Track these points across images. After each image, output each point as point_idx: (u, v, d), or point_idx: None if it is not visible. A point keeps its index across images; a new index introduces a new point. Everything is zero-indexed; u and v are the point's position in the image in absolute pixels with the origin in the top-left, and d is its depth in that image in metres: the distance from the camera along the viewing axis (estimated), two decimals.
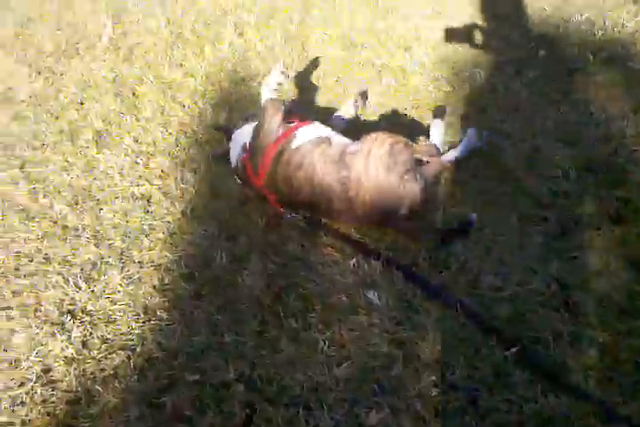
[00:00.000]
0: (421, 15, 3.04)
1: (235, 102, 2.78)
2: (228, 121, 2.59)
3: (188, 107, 2.80)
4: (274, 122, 2.02)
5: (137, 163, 2.53)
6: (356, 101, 2.40)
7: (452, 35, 2.85)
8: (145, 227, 2.21)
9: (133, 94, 2.97)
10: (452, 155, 2.09)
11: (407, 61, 2.74)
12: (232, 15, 3.48)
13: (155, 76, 3.06)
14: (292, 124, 2.01)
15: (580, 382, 1.40)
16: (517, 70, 2.55)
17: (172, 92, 2.92)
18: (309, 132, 1.96)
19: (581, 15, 2.72)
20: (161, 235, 2.16)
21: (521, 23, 2.85)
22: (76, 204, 2.38)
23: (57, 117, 2.94)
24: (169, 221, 2.21)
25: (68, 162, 2.62)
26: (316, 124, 2.04)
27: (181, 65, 3.12)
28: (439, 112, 2.32)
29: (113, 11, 3.78)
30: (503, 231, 1.85)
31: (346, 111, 2.39)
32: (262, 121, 2.05)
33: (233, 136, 2.27)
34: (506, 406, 1.39)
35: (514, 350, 1.49)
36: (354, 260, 1.87)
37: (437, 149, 1.93)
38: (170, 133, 2.65)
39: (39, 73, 3.33)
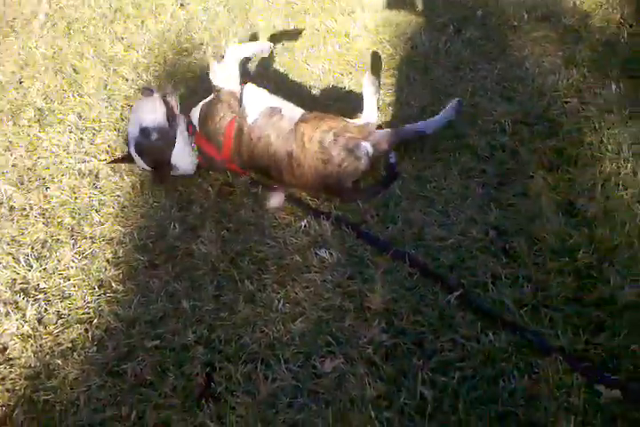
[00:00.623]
0: None
1: (179, 73, 2.75)
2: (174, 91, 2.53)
3: (132, 80, 2.76)
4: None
5: (82, 139, 2.49)
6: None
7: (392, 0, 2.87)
8: (94, 202, 2.19)
9: (74, 70, 2.90)
10: (422, 125, 2.02)
11: (351, 26, 2.75)
12: None
13: (95, 50, 2.99)
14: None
15: (516, 319, 1.50)
16: (457, 30, 2.60)
17: (114, 66, 2.86)
18: (257, 102, 2.01)
19: None
20: (111, 209, 2.15)
21: None
22: (22, 183, 2.35)
23: None
24: (119, 195, 2.20)
25: (10, 142, 2.57)
26: (250, 85, 2.08)
27: (122, 38, 3.05)
28: (374, 70, 2.37)
29: None
30: (446, 185, 1.92)
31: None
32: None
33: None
34: (450, 346, 1.48)
35: (456, 293, 1.57)
36: (305, 221, 1.91)
37: (369, 126, 1.95)
38: (114, 108, 2.62)
39: None
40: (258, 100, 2.03)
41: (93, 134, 2.50)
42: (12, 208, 2.25)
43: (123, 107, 2.60)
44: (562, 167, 1.87)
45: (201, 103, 2.12)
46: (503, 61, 2.37)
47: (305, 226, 1.90)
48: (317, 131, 1.91)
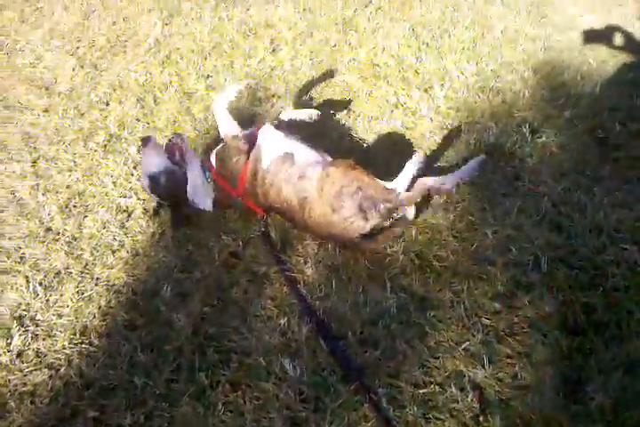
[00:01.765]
0: (454, 57, 2.80)
1: (244, 122, 2.72)
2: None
3: (199, 120, 2.77)
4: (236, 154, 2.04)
5: (132, 175, 2.54)
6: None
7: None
8: (115, 243, 2.22)
9: (154, 101, 2.98)
10: (449, 181, 1.81)
11: (423, 104, 2.54)
12: (273, 29, 3.40)
13: (180, 84, 3.06)
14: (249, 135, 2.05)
15: None
16: (533, 130, 2.28)
17: (189, 103, 2.90)
18: (273, 146, 1.98)
19: (627, 74, 2.39)
20: (125, 254, 2.16)
21: (556, 74, 2.55)
22: (67, 207, 2.44)
23: (82, 115, 3.02)
24: (138, 241, 2.21)
25: (74, 163, 2.69)
26: (267, 127, 2.06)
27: (208, 77, 3.09)
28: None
29: (167, 10, 3.82)
30: (447, 317, 1.67)
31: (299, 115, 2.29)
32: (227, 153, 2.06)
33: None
34: None
35: None
36: (286, 319, 1.77)
37: (397, 194, 1.80)
38: None
39: (82, 66, 3.43)
40: (273, 144, 1.99)
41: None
42: (48, 230, 2.34)
43: None
44: (587, 333, 1.54)
45: (215, 150, 2.14)
46: (570, 181, 2.03)
47: (284, 324, 1.76)
48: (343, 178, 1.81)
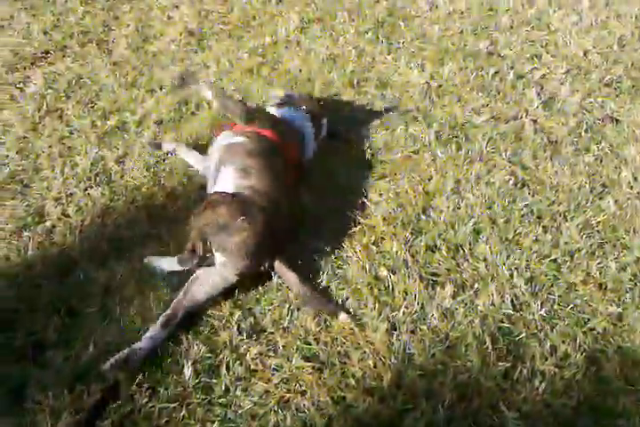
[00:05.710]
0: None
1: None
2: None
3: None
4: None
5: (87, 180, 2.13)
6: None
7: None
8: None
9: (185, 117, 2.49)
10: None
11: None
12: (387, 90, 2.61)
13: None
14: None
15: None
16: None
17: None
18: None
19: None
20: None
21: None
22: None
23: (132, 84, 2.65)
24: None
25: (73, 133, 2.37)
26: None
27: None
28: None
29: (320, 11, 3.17)
30: None
31: None
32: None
33: None
34: None
35: None
36: None
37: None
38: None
39: (190, 34, 3.02)
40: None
41: (88, 186, 2.12)
42: None
43: None
44: None
45: None
46: None
47: None
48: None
